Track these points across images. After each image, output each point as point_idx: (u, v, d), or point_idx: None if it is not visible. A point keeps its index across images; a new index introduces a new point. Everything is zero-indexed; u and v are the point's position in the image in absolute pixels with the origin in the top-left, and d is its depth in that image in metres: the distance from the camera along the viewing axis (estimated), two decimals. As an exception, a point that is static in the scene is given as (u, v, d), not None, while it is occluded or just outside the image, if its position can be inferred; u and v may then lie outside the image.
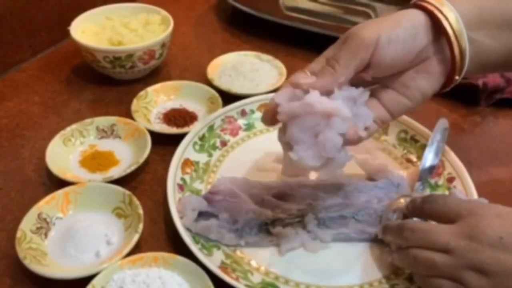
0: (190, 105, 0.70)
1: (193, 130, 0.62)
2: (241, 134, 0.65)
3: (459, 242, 0.41)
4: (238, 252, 0.51)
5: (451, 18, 0.45)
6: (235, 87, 0.71)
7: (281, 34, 0.86)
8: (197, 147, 0.61)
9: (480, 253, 0.40)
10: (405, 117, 0.65)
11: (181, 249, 0.49)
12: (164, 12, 0.78)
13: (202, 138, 0.62)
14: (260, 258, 0.50)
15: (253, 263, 0.50)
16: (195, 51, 0.85)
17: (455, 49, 0.45)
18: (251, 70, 0.75)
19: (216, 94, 0.69)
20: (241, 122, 0.66)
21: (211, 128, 0.64)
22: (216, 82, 0.72)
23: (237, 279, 0.47)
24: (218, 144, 0.63)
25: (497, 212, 0.43)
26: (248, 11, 0.86)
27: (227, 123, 0.65)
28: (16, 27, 0.76)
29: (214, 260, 0.49)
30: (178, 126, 0.66)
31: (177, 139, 0.61)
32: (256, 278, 0.48)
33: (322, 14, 0.79)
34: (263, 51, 0.79)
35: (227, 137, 0.64)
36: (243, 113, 0.67)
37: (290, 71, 0.76)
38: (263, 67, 0.76)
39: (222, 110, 0.66)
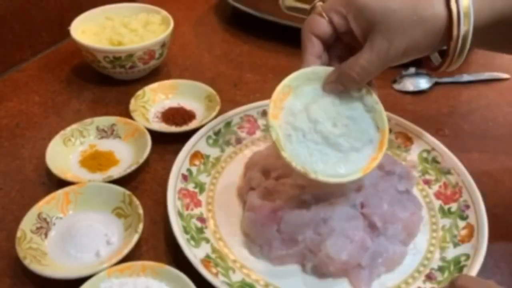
0: (188, 104, 0.70)
1: (209, 124, 0.62)
2: (258, 134, 0.65)
3: None
4: (226, 250, 0.50)
5: None
6: None
7: (281, 34, 0.86)
8: (210, 141, 0.61)
9: None
10: (404, 121, 0.64)
11: (181, 248, 0.48)
12: (164, 12, 0.78)
13: (217, 133, 0.62)
14: (250, 260, 0.50)
15: (239, 261, 0.49)
16: (195, 51, 0.85)
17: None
18: None
19: (214, 92, 0.69)
20: (261, 122, 0.65)
21: (228, 124, 0.63)
22: None
23: (216, 274, 0.46)
24: (233, 141, 0.63)
25: None
26: (248, 11, 0.86)
27: (246, 122, 0.65)
28: (16, 27, 0.76)
29: (198, 252, 0.48)
30: (177, 124, 0.66)
31: (176, 138, 0.61)
32: (237, 277, 0.47)
33: (322, 14, 0.79)
34: (263, 51, 0.79)
35: (243, 135, 0.64)
36: (264, 114, 0.65)
37: (290, 71, 0.75)
38: None
39: (242, 108, 0.65)
